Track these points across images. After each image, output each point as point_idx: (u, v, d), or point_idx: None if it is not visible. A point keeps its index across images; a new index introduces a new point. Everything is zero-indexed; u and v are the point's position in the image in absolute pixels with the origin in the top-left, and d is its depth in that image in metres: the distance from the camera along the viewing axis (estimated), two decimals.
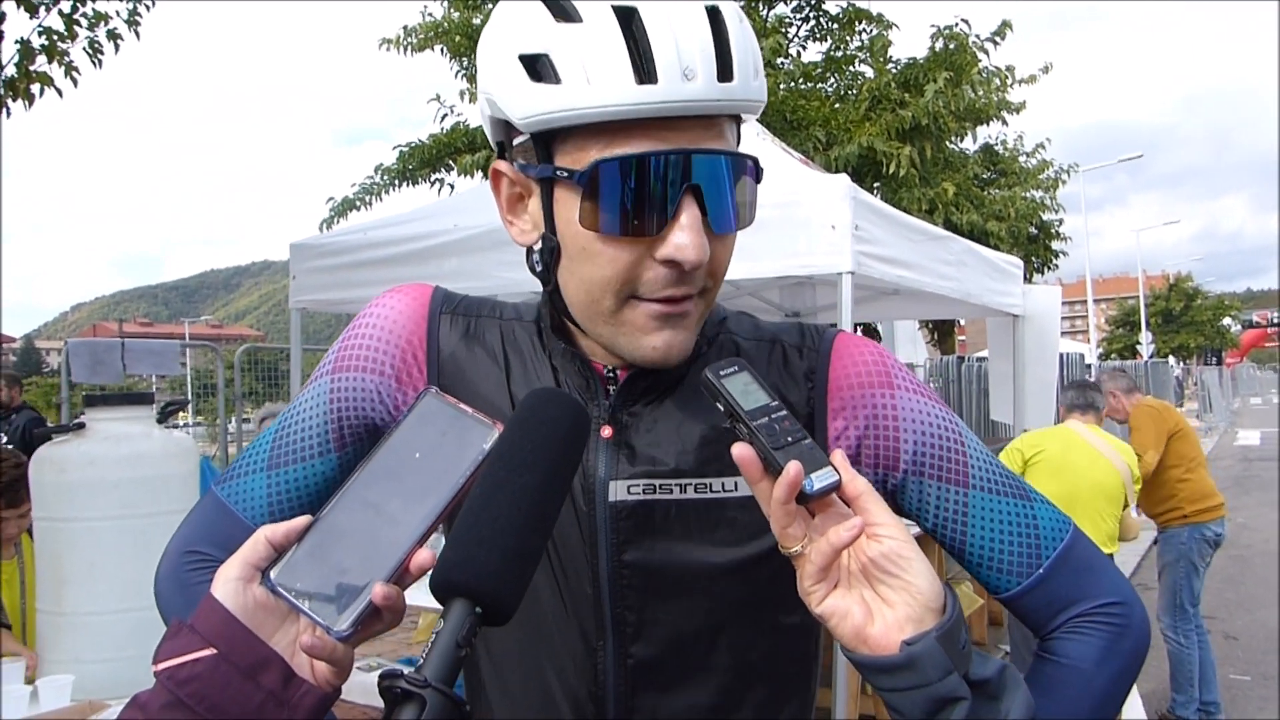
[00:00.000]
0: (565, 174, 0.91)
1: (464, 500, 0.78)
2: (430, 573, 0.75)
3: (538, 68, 0.89)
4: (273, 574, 0.75)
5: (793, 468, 0.79)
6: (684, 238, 0.89)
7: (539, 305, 1.10)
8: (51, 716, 2.08)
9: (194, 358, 13.09)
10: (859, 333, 12.09)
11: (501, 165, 1.01)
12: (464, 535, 0.74)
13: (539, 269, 1.00)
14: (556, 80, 0.87)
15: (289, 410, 1.11)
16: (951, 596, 0.81)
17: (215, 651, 0.72)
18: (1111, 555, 4.60)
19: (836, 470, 0.82)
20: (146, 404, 2.64)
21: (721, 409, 0.87)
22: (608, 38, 0.86)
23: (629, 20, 0.87)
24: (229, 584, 0.75)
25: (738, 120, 0.97)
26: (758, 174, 0.96)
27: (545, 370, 1.06)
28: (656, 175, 0.88)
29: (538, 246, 0.99)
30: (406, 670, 0.69)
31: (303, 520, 0.78)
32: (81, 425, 2.53)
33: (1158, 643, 5.25)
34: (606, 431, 1.02)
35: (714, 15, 0.89)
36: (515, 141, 0.98)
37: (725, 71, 0.88)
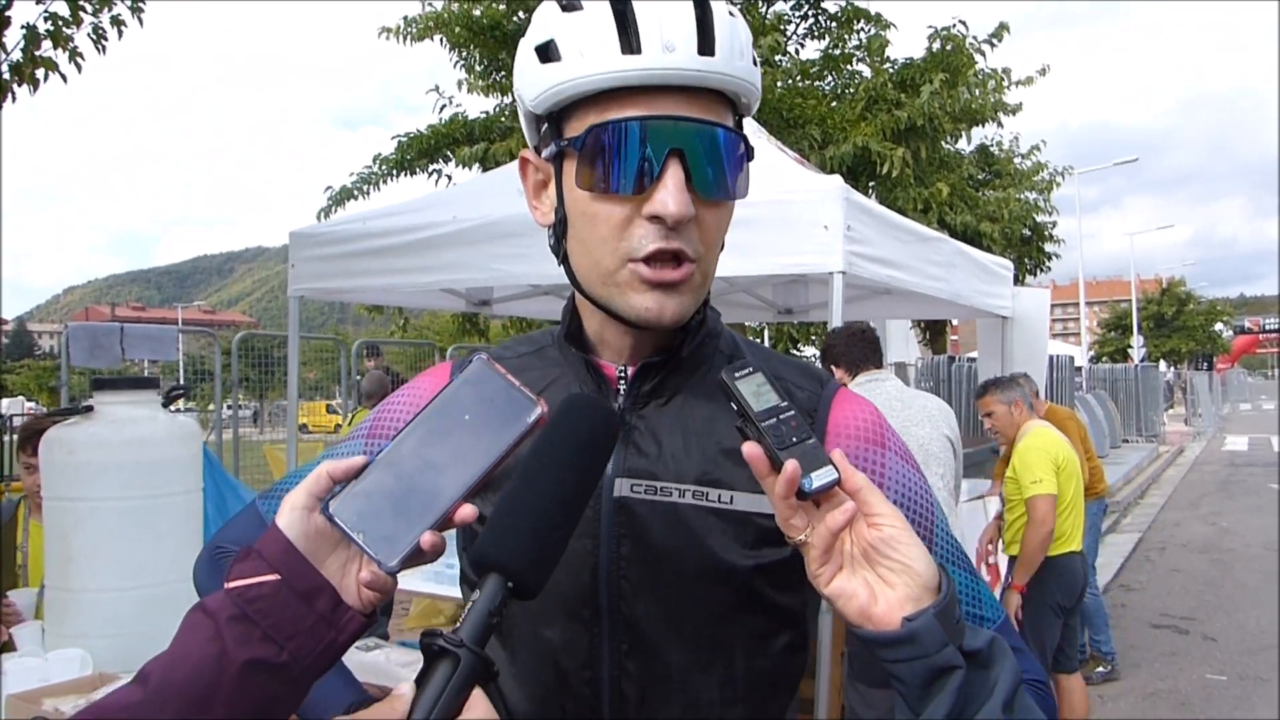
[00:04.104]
0: (566, 143, 1.01)
1: (504, 465, 0.86)
2: (468, 550, 0.83)
3: (547, 52, 1.01)
4: (332, 506, 0.84)
5: (790, 466, 0.87)
6: (666, 193, 0.97)
7: (552, 330, 1.22)
8: (64, 685, 2.15)
9: (186, 343, 13.14)
10: None
11: (527, 153, 1.12)
12: (502, 520, 0.84)
13: (552, 243, 1.10)
14: (559, 59, 0.99)
15: (331, 450, 1.25)
16: (946, 578, 0.89)
17: (279, 577, 0.82)
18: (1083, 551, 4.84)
19: (836, 469, 0.89)
20: (152, 389, 2.70)
21: (735, 409, 0.94)
22: (602, 19, 0.98)
23: (622, 6, 0.98)
24: (294, 511, 0.85)
25: (733, 106, 1.05)
26: (749, 152, 1.04)
27: (557, 385, 1.14)
28: (643, 138, 0.97)
29: (553, 224, 1.09)
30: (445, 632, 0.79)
31: (360, 460, 0.87)
32: (90, 408, 2.59)
33: None
34: None
35: (700, 3, 0.99)
36: (541, 133, 1.09)
37: (707, 47, 0.97)
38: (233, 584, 0.83)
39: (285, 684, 0.82)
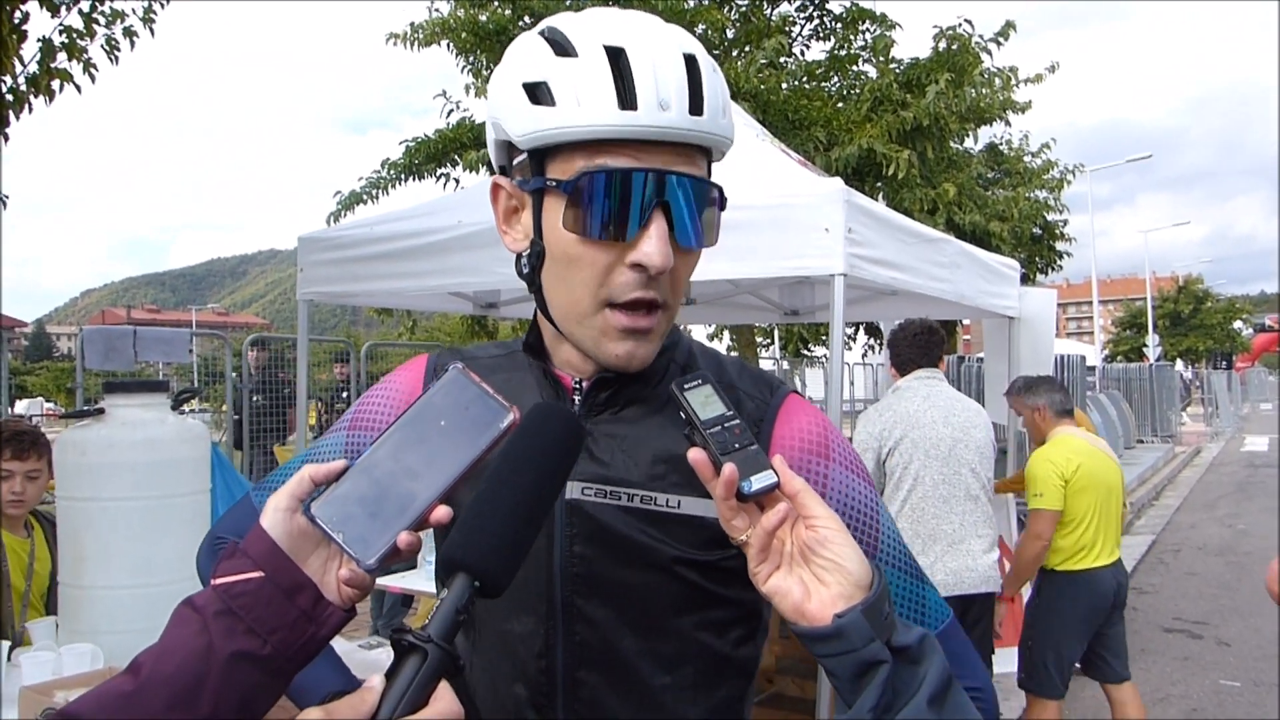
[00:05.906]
0: (554, 183, 1.05)
1: (479, 468, 0.91)
2: (439, 551, 0.88)
3: (537, 93, 1.04)
4: (313, 507, 0.89)
5: (727, 469, 0.93)
6: (652, 245, 1.03)
7: (519, 338, 1.27)
8: (75, 679, 2.22)
9: (200, 345, 13.28)
10: (860, 330, 12.00)
11: (500, 180, 1.16)
12: (470, 522, 0.88)
13: (525, 271, 1.14)
14: (552, 103, 1.03)
15: (315, 447, 1.30)
16: (878, 576, 0.94)
17: (263, 574, 0.87)
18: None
19: (776, 473, 0.95)
20: (162, 391, 2.77)
21: (683, 417, 1.01)
22: (598, 70, 1.02)
23: (617, 57, 1.02)
24: (277, 513, 0.90)
25: (709, 155, 1.11)
26: (722, 202, 1.11)
27: (519, 388, 1.19)
28: (633, 188, 1.02)
29: (527, 252, 1.13)
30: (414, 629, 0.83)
31: (340, 463, 0.92)
32: (101, 411, 2.66)
33: None
34: None
35: (690, 60, 1.04)
36: (514, 162, 1.12)
37: (697, 107, 1.03)
38: (219, 581, 0.88)
39: (268, 675, 0.87)
